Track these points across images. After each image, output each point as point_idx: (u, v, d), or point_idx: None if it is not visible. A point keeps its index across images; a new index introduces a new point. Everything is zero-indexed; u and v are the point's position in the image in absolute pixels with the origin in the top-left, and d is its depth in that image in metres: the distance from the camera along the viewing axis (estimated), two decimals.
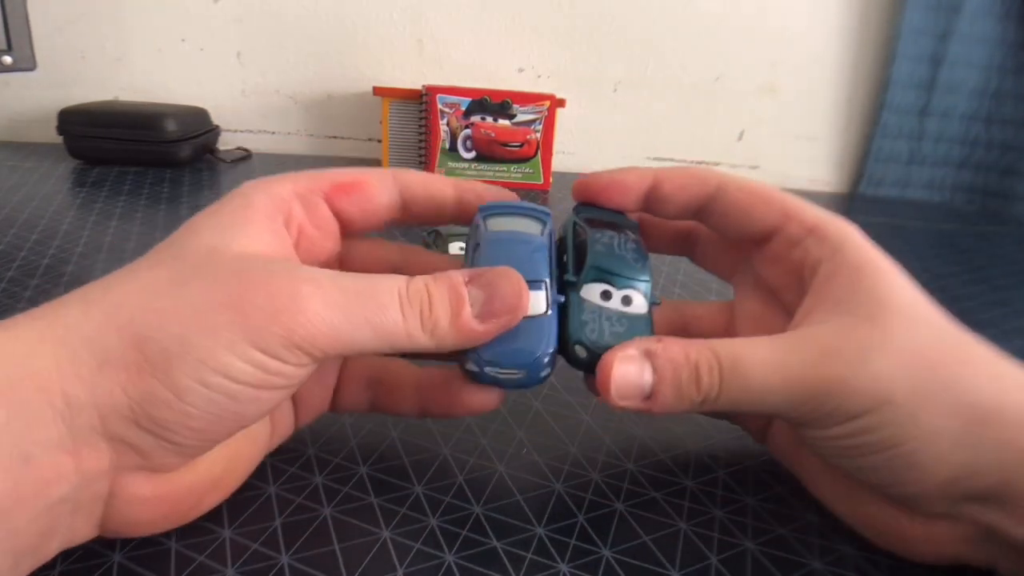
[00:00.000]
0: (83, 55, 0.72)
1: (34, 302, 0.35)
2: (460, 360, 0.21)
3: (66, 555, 0.19)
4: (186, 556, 0.19)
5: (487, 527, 0.22)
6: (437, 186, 0.24)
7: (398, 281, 0.19)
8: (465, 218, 0.24)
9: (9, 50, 0.51)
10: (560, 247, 0.24)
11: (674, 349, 0.19)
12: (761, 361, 0.19)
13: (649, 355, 0.20)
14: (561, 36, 0.76)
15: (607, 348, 0.20)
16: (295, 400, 0.23)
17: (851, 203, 0.77)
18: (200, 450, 0.18)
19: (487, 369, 0.20)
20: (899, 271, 0.21)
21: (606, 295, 0.22)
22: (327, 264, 0.23)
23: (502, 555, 0.20)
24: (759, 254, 0.24)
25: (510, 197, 0.24)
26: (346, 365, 0.24)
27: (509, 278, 0.20)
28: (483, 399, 0.22)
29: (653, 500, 0.23)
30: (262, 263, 0.18)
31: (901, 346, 0.19)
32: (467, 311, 0.19)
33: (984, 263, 0.56)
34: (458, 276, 0.20)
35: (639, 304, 0.22)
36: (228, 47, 0.73)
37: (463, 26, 0.75)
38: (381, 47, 0.75)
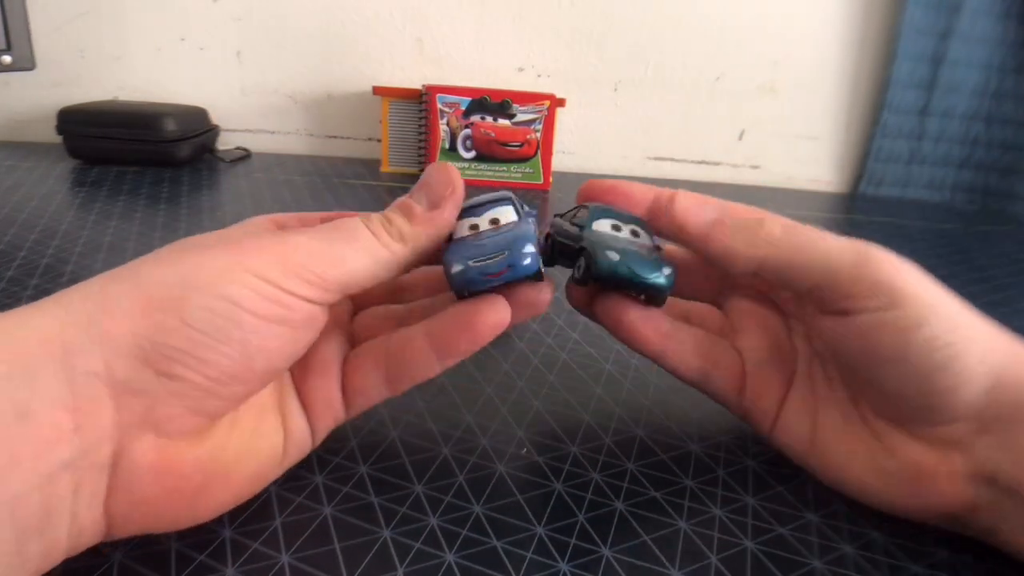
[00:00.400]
0: (82, 54, 0.72)
1: (34, 301, 0.35)
2: (448, 275, 0.21)
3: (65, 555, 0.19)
4: (186, 555, 0.19)
5: (487, 526, 0.22)
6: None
7: (359, 216, 0.21)
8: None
9: (8, 49, 0.51)
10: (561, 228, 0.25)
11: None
12: (823, 232, 0.22)
13: (711, 203, 0.23)
14: (561, 36, 0.76)
15: (629, 252, 0.22)
16: (303, 404, 0.22)
17: (851, 203, 0.77)
18: (211, 403, 0.18)
19: (471, 263, 0.21)
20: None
21: (616, 228, 0.24)
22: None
23: (502, 554, 0.20)
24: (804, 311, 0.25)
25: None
26: (348, 358, 0.23)
27: (436, 167, 0.23)
28: (494, 314, 0.21)
29: (653, 500, 0.23)
30: (249, 231, 0.21)
31: (939, 300, 0.21)
32: (417, 208, 0.22)
33: (984, 263, 0.56)
34: (402, 197, 0.23)
35: (646, 239, 0.24)
36: (228, 46, 0.73)
37: (463, 26, 0.75)
38: (381, 47, 0.75)
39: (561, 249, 0.24)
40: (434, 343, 0.22)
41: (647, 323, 0.24)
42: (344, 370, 0.23)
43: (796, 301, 0.25)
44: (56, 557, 0.17)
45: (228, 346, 0.17)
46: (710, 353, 0.25)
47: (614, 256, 0.22)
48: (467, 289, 0.21)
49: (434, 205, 0.22)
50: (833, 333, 0.22)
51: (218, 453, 0.19)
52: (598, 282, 0.23)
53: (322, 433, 0.23)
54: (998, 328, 0.21)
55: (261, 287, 0.18)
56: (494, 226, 0.23)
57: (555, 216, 0.26)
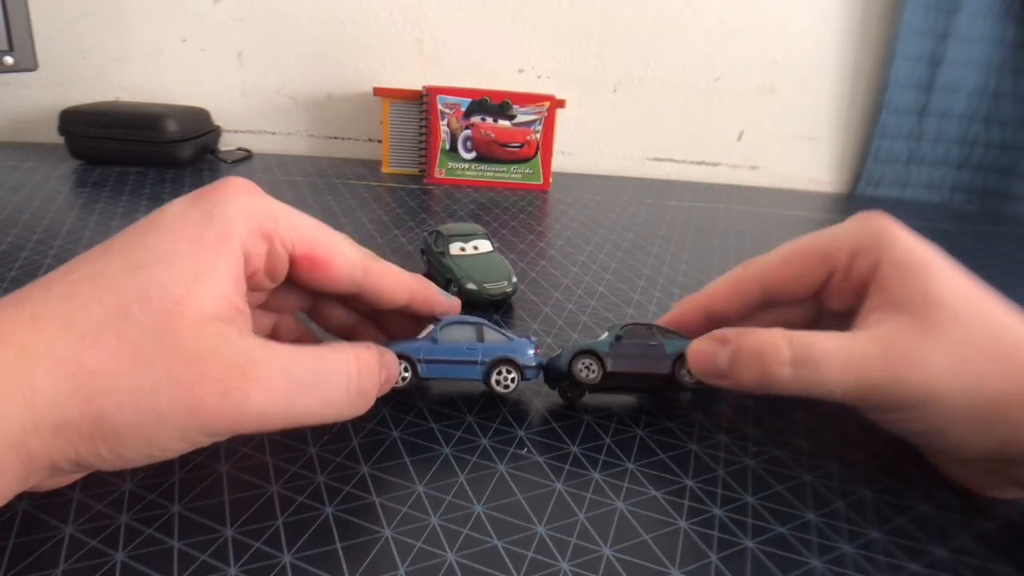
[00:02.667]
0: (84, 55, 0.72)
1: None
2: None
3: (68, 554, 0.19)
4: (189, 555, 0.20)
5: (488, 526, 0.22)
6: (394, 290, 0.26)
7: (349, 372, 0.22)
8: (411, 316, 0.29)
9: (11, 50, 0.52)
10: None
11: (750, 336, 0.24)
12: (833, 351, 0.22)
13: (723, 340, 0.24)
14: (561, 36, 0.76)
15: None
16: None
17: (850, 203, 0.77)
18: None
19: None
20: (945, 261, 0.24)
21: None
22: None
23: (503, 553, 0.21)
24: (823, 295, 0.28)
25: (456, 309, 0.29)
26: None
27: (395, 359, 0.25)
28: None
29: (653, 499, 0.24)
30: (217, 346, 0.19)
31: (947, 344, 0.22)
32: (378, 385, 0.23)
33: (983, 263, 0.56)
34: (380, 351, 0.24)
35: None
36: (229, 47, 0.73)
37: (463, 26, 0.75)
38: (381, 47, 0.75)
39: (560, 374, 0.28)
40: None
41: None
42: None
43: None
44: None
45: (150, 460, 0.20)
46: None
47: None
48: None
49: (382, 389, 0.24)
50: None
51: None
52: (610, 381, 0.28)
53: None
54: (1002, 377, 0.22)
55: (201, 441, 0.20)
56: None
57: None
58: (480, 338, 0.28)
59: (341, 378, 0.21)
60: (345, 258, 0.24)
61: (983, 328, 0.22)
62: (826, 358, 0.22)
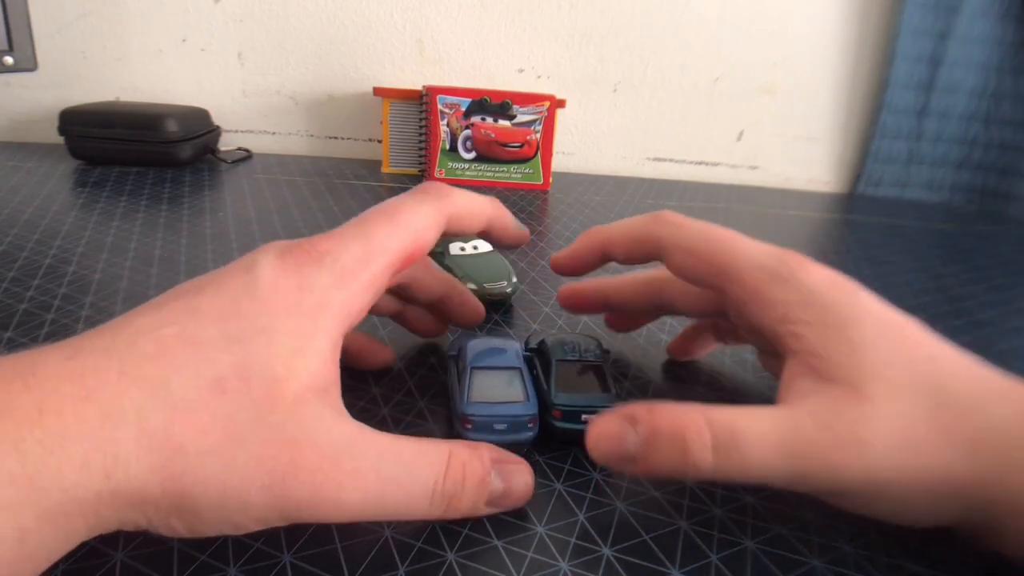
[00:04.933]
0: (84, 55, 0.72)
1: (36, 302, 0.35)
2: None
3: (68, 554, 0.19)
4: (188, 555, 0.20)
5: (488, 526, 0.22)
6: (429, 286, 0.29)
7: (436, 472, 0.20)
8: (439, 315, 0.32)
9: (10, 50, 0.52)
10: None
11: (664, 414, 0.20)
12: (761, 436, 0.20)
13: (632, 420, 0.20)
14: (561, 36, 0.76)
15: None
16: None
17: (850, 203, 0.77)
18: None
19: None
20: (864, 300, 0.22)
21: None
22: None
23: (503, 554, 0.21)
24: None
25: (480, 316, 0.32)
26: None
27: (525, 475, 0.22)
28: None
29: (653, 499, 0.24)
30: (315, 431, 0.18)
31: (888, 422, 0.19)
32: (486, 496, 0.21)
33: (983, 263, 0.56)
34: (487, 456, 0.21)
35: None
36: (229, 47, 0.73)
37: (463, 26, 0.75)
38: (381, 47, 0.75)
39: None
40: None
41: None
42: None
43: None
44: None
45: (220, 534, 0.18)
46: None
47: (560, 417, 0.26)
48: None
49: (493, 504, 0.21)
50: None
51: None
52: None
53: None
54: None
55: (275, 523, 0.18)
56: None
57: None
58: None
59: (428, 483, 0.19)
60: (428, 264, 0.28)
61: (924, 395, 0.20)
62: (755, 443, 0.19)
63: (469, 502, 0.20)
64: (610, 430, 0.21)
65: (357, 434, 0.19)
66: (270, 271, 0.19)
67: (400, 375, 0.30)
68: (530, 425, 0.25)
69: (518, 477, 0.22)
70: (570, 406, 0.26)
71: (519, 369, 0.26)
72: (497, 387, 0.25)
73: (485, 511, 0.21)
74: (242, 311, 0.18)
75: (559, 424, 0.26)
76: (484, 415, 0.24)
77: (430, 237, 0.24)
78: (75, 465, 0.15)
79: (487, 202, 0.26)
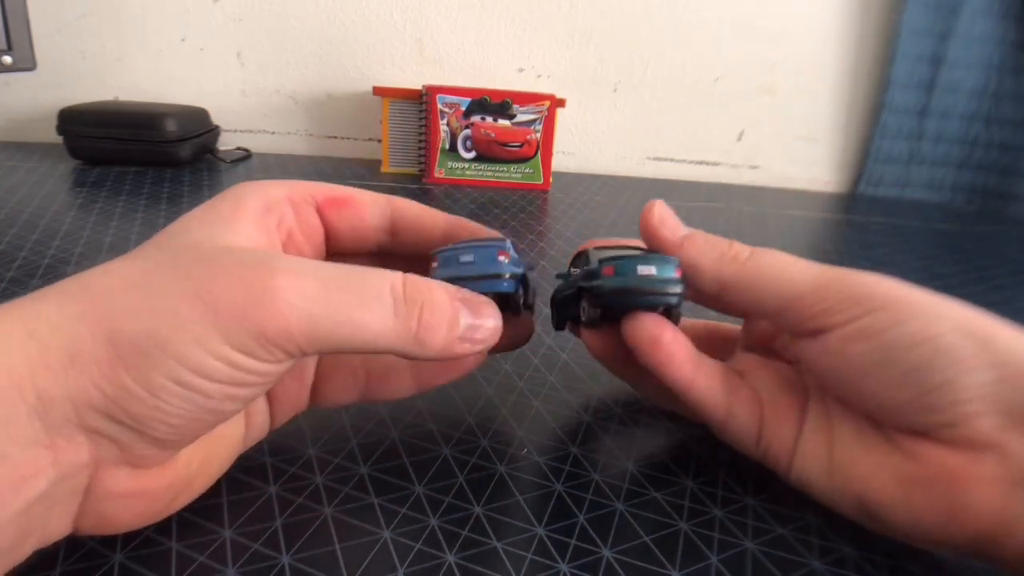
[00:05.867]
0: (83, 55, 0.72)
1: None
2: None
3: (67, 555, 0.19)
4: (187, 556, 0.20)
5: (488, 527, 0.22)
6: (428, 220, 0.25)
7: (392, 277, 0.18)
8: None
9: (9, 50, 0.51)
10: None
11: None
12: (790, 256, 0.22)
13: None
14: (561, 36, 0.76)
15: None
16: (270, 398, 0.23)
17: (851, 203, 0.77)
18: (181, 444, 0.18)
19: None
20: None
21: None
22: None
23: (503, 555, 0.20)
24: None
25: (495, 235, 0.25)
26: (327, 359, 0.24)
27: (492, 308, 0.20)
28: (476, 356, 0.23)
29: (653, 500, 0.23)
30: (238, 253, 0.18)
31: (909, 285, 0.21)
32: (458, 329, 0.19)
33: (984, 263, 0.56)
34: (450, 288, 0.20)
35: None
36: (228, 47, 0.73)
37: (463, 26, 0.75)
38: (381, 47, 0.75)
39: (564, 304, 0.25)
40: (417, 377, 0.24)
41: (681, 346, 0.23)
42: (317, 371, 0.24)
43: (777, 332, 0.26)
44: (21, 560, 0.17)
45: (195, 411, 0.17)
46: (733, 385, 0.24)
47: (613, 274, 0.22)
48: None
49: (465, 341, 0.20)
50: (812, 355, 0.22)
51: (186, 469, 0.19)
52: (607, 311, 0.23)
53: (280, 422, 0.24)
54: (994, 318, 0.20)
55: (235, 359, 0.16)
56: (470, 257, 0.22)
57: (557, 277, 0.26)
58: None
59: (383, 283, 0.18)
60: (365, 194, 0.24)
61: (964, 309, 0.20)
62: (783, 255, 0.23)
63: (441, 332, 0.19)
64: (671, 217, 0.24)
65: (287, 254, 0.19)
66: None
67: None
68: (508, 277, 0.21)
69: (485, 308, 0.20)
70: (623, 257, 0.22)
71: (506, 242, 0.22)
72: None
73: (461, 348, 0.19)
74: (167, 230, 0.20)
75: (609, 283, 0.22)
76: (450, 249, 0.22)
77: (367, 199, 0.24)
78: (1, 334, 0.15)
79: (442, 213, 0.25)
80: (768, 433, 0.23)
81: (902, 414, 0.20)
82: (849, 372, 0.21)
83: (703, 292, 0.24)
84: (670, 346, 0.22)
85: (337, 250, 0.25)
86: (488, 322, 0.20)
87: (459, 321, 0.19)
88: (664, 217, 0.24)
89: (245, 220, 0.20)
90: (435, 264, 0.22)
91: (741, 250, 0.23)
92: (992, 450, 0.19)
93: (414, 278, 0.19)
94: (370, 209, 0.24)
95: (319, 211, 0.23)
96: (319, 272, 0.17)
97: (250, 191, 0.21)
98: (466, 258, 0.21)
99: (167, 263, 0.17)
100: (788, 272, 0.22)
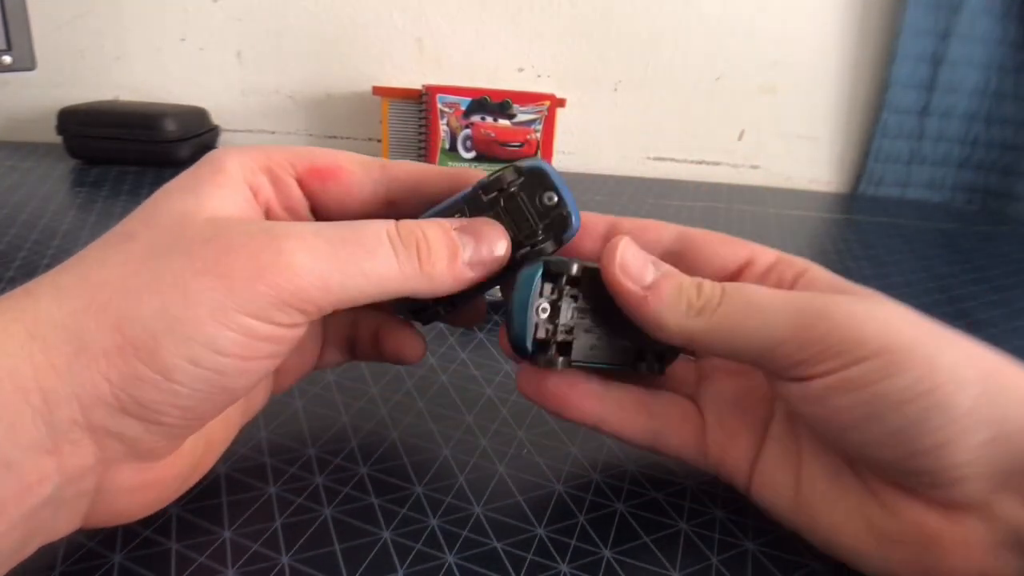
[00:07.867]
0: (83, 55, 0.72)
1: None
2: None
3: (66, 555, 0.19)
4: (187, 557, 0.19)
5: (488, 528, 0.22)
6: (428, 184, 0.22)
7: (386, 224, 0.18)
8: None
9: (9, 49, 0.51)
10: None
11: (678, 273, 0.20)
12: (766, 291, 0.19)
13: (655, 263, 0.20)
14: (561, 36, 0.76)
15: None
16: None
17: (851, 203, 0.77)
18: (189, 430, 0.18)
19: None
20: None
21: None
22: None
23: (503, 556, 0.20)
24: None
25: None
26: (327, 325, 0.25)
27: (493, 227, 0.20)
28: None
29: (654, 500, 0.23)
30: (236, 224, 0.17)
31: (903, 311, 0.18)
32: (461, 256, 0.19)
33: (984, 263, 0.56)
34: (445, 222, 0.20)
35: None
36: (228, 47, 0.73)
37: (463, 26, 0.75)
38: (381, 47, 0.75)
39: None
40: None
41: (573, 388, 0.22)
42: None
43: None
44: (25, 557, 0.17)
45: (209, 392, 0.16)
46: (656, 410, 0.23)
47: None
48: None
49: (475, 264, 0.19)
50: (791, 398, 0.19)
51: (192, 454, 0.19)
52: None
53: (277, 393, 0.24)
54: (1000, 357, 0.18)
55: (252, 327, 0.16)
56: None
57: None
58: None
59: (379, 230, 0.18)
60: (352, 160, 0.22)
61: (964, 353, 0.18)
62: (759, 290, 0.19)
63: (443, 259, 0.19)
64: (637, 261, 0.20)
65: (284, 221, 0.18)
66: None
67: (400, 375, 0.30)
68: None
69: (485, 228, 0.20)
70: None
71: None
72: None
73: (469, 273, 0.19)
74: (149, 200, 0.19)
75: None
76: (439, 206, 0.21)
77: (356, 168, 0.22)
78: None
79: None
80: (716, 450, 0.22)
81: (886, 471, 0.19)
82: (830, 423, 0.18)
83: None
84: (557, 390, 0.22)
85: (322, 220, 0.23)
86: (491, 236, 0.20)
87: (459, 248, 0.19)
88: (626, 263, 0.20)
89: (226, 187, 0.19)
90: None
91: (711, 296, 0.19)
92: (977, 512, 0.17)
93: (405, 221, 0.19)
94: (360, 179, 0.22)
95: (301, 183, 0.21)
96: (321, 232, 0.17)
97: (226, 157, 0.20)
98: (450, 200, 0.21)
99: (164, 243, 0.17)
100: (764, 316, 0.18)
